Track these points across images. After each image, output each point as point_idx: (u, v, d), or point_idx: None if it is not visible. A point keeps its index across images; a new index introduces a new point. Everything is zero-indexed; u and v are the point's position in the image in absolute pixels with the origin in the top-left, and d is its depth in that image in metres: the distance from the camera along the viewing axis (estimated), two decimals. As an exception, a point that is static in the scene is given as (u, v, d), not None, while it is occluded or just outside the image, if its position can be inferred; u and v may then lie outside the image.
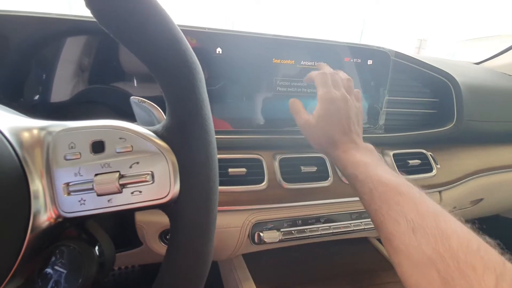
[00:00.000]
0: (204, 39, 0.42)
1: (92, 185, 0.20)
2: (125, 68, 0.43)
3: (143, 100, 0.27)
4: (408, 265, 0.24)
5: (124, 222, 0.44)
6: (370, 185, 0.31)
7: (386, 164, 0.36)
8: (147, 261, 0.59)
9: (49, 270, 0.22)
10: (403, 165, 0.52)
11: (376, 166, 0.33)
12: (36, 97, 0.42)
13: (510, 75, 0.75)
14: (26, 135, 0.21)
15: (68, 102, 0.42)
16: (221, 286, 0.57)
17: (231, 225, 0.43)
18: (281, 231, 0.46)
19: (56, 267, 0.22)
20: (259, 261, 0.54)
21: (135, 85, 0.45)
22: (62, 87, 0.42)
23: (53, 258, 0.22)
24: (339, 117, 0.38)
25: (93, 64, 0.43)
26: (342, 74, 0.43)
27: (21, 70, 0.40)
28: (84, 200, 0.20)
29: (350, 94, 0.41)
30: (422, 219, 0.25)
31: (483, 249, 0.22)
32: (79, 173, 0.20)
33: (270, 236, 0.45)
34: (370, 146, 0.38)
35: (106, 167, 0.21)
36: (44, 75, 0.42)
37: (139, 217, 0.41)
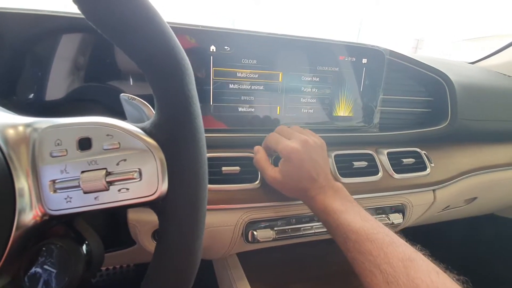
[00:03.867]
0: (198, 37, 0.42)
1: (79, 182, 0.20)
2: (119, 66, 0.43)
3: (133, 97, 0.26)
4: None
5: (117, 221, 0.44)
6: (342, 234, 0.33)
7: (354, 203, 0.37)
8: (141, 261, 0.59)
9: (37, 269, 0.22)
10: (397, 164, 0.53)
11: (345, 212, 0.35)
12: (30, 95, 0.41)
13: (505, 74, 0.76)
14: (11, 132, 0.21)
15: (61, 100, 0.42)
16: (215, 285, 0.57)
17: (225, 223, 0.43)
18: (275, 230, 0.45)
19: (46, 267, 0.22)
20: (254, 260, 0.54)
21: (130, 83, 0.44)
22: (56, 85, 0.42)
23: (42, 258, 0.22)
24: (304, 166, 0.38)
25: (87, 62, 0.42)
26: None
27: (14, 68, 0.40)
28: (71, 198, 0.20)
29: (305, 133, 0.42)
30: (394, 269, 0.27)
31: None
32: (65, 170, 0.20)
33: (264, 235, 0.44)
34: (338, 185, 0.39)
35: (93, 164, 0.20)
36: (37, 73, 0.41)
37: (131, 215, 0.40)
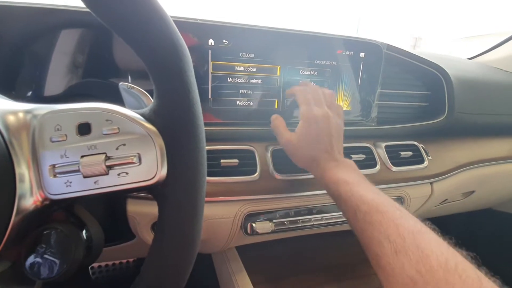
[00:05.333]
0: (196, 30, 0.42)
1: (78, 166, 0.20)
2: (119, 61, 0.43)
3: (132, 86, 0.27)
4: (393, 286, 0.26)
5: (116, 214, 0.44)
6: (353, 205, 0.33)
7: (366, 180, 0.37)
8: (141, 255, 0.59)
9: (38, 255, 0.22)
10: (395, 157, 0.53)
11: (357, 185, 0.35)
12: (28, 90, 0.42)
13: (502, 69, 0.76)
14: (11, 118, 0.21)
15: (60, 96, 0.42)
16: (215, 278, 0.57)
17: (224, 216, 0.43)
18: (274, 222, 0.46)
19: (46, 256, 0.22)
20: (252, 254, 0.54)
21: (129, 79, 0.44)
22: (55, 81, 0.42)
23: (42, 244, 0.22)
24: (320, 136, 0.39)
25: (86, 57, 0.42)
26: (325, 89, 0.45)
27: (12, 63, 0.40)
28: (70, 182, 0.20)
29: (332, 110, 0.42)
30: (403, 240, 0.27)
31: (460, 267, 0.23)
32: (65, 155, 0.20)
33: (263, 227, 0.45)
34: (351, 162, 0.39)
35: (92, 149, 0.21)
36: (35, 68, 0.41)
37: (131, 208, 0.41)
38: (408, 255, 0.25)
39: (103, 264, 0.82)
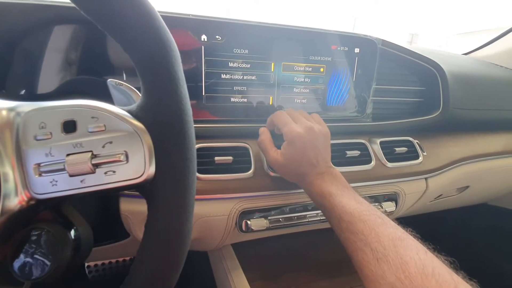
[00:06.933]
0: (189, 26, 0.41)
1: (64, 165, 0.20)
2: (112, 59, 0.42)
3: (120, 83, 0.26)
4: None
5: (110, 213, 0.44)
6: (336, 215, 0.34)
7: (350, 189, 0.38)
8: (135, 254, 0.58)
9: (23, 255, 0.22)
10: (390, 153, 0.53)
11: (340, 195, 0.36)
12: (19, 88, 0.41)
13: (497, 65, 0.76)
14: None
15: (52, 94, 0.41)
16: (211, 276, 0.57)
17: (218, 213, 0.43)
18: (269, 219, 0.45)
19: (37, 256, 0.22)
20: (248, 251, 0.54)
21: (124, 77, 0.44)
22: (46, 78, 0.41)
23: (28, 243, 0.22)
24: (306, 152, 0.39)
25: (78, 55, 0.42)
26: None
27: (3, 61, 0.39)
28: (56, 181, 0.20)
29: (311, 120, 0.42)
30: (384, 247, 0.28)
31: (437, 272, 0.25)
32: (50, 154, 0.20)
33: (258, 224, 0.44)
34: (336, 171, 0.40)
35: (78, 147, 0.20)
36: (26, 66, 0.40)
37: (124, 206, 0.40)
38: (389, 262, 0.27)
39: (99, 263, 0.82)
